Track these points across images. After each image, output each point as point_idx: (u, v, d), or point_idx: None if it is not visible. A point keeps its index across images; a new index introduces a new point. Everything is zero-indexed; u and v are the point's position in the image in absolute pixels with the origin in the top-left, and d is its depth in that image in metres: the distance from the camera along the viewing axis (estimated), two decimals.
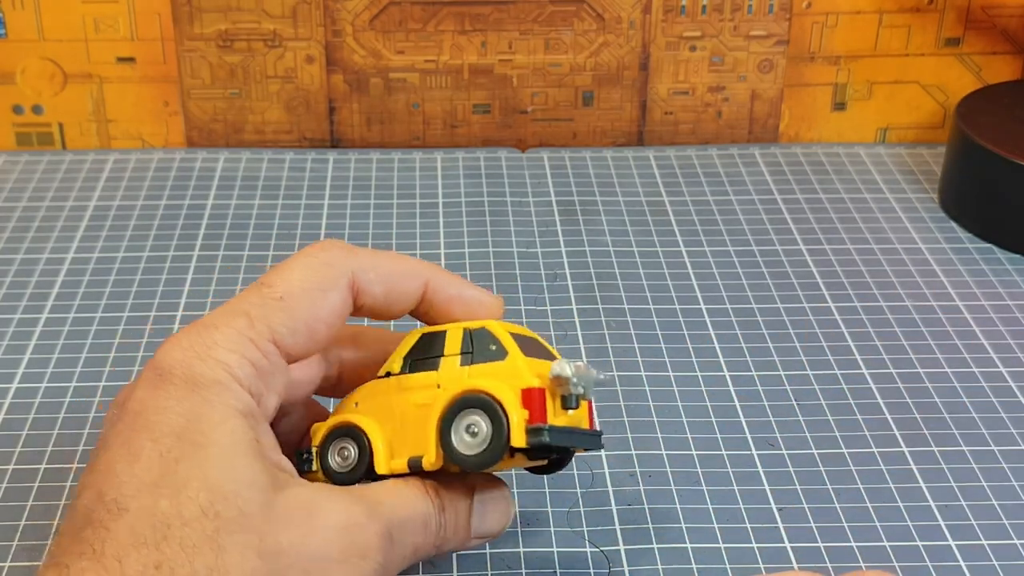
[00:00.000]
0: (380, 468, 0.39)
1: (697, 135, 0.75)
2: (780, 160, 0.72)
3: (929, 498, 0.46)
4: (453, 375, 0.39)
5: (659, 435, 0.49)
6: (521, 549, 0.43)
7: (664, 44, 0.72)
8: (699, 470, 0.47)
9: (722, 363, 0.54)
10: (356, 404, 0.41)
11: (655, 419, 0.50)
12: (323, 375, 0.41)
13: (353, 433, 0.40)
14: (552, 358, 0.40)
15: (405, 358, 0.40)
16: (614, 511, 0.45)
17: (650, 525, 0.45)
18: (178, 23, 0.70)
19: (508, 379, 0.38)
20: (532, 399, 0.38)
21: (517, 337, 0.40)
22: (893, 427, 0.50)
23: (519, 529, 0.44)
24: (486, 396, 0.38)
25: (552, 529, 0.44)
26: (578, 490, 0.46)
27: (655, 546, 0.43)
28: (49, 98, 0.72)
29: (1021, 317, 0.57)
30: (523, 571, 0.43)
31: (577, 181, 0.70)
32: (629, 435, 0.49)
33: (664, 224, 0.65)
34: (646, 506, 0.45)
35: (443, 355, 0.39)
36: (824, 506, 0.46)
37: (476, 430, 0.38)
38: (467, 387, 0.38)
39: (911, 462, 0.48)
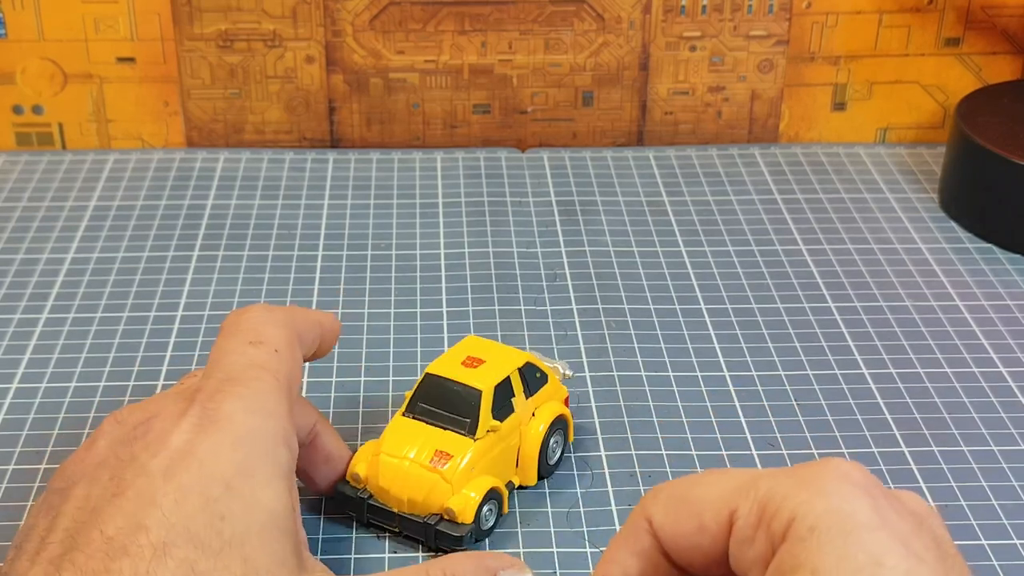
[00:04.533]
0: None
1: (697, 135, 0.75)
2: (780, 160, 0.72)
3: (929, 498, 0.46)
4: (530, 407, 0.46)
5: (659, 435, 0.49)
6: (521, 549, 0.43)
7: (664, 44, 0.72)
8: (699, 470, 0.47)
9: (722, 363, 0.54)
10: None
11: (655, 419, 0.50)
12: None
13: (495, 494, 0.44)
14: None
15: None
16: (614, 511, 0.45)
17: None
18: (178, 23, 0.70)
19: (556, 396, 0.47)
20: (567, 402, 0.48)
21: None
22: (893, 427, 0.50)
23: (519, 529, 0.44)
24: (562, 415, 0.47)
25: (552, 529, 0.44)
26: (578, 490, 0.46)
27: None
28: (49, 98, 0.72)
29: (1021, 317, 0.57)
30: None
31: (577, 181, 0.69)
32: (629, 435, 0.49)
33: (664, 224, 0.65)
34: None
35: (513, 395, 0.45)
36: None
37: (556, 444, 0.47)
38: (556, 413, 0.46)
39: (911, 462, 0.48)
